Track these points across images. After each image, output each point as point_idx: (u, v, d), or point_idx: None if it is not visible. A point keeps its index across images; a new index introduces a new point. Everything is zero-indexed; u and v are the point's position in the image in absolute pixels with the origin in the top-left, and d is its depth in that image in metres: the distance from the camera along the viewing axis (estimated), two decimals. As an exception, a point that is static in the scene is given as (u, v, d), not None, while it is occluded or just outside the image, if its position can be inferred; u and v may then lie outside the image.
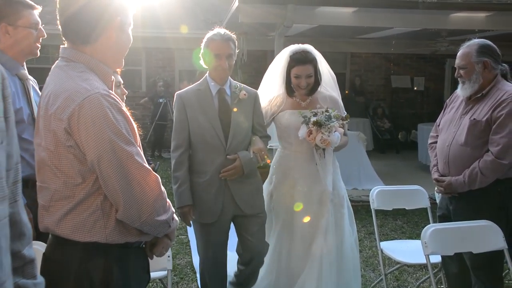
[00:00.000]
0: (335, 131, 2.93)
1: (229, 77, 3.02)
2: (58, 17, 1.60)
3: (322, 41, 8.71)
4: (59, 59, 1.63)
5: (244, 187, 2.99)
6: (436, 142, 3.18)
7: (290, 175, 3.20)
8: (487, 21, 7.08)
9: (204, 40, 2.90)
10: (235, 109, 2.94)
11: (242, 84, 3.07)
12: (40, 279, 1.08)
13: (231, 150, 2.90)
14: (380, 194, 3.56)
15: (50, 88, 1.55)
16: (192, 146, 2.94)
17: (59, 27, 1.61)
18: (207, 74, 3.00)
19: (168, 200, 1.66)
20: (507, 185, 2.86)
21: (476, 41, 2.93)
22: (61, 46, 1.63)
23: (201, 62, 2.96)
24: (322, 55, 3.29)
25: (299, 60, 3.11)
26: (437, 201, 3.36)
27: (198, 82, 3.03)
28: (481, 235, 2.75)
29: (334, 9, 6.60)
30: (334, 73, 3.40)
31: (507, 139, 2.71)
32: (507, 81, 2.96)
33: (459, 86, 2.99)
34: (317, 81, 3.18)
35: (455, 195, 2.95)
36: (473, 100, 2.92)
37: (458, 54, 2.96)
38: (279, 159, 3.32)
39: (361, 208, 5.98)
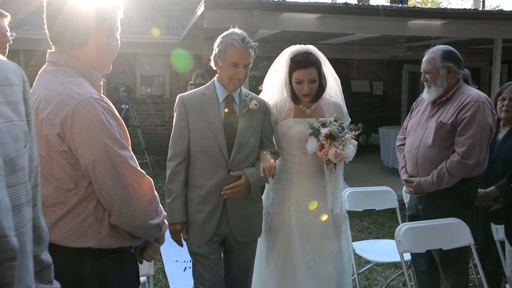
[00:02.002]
0: (349, 144, 2.64)
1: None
2: (45, 21, 1.57)
3: (284, 46, 8.75)
4: (46, 63, 1.60)
5: (243, 211, 2.64)
6: (404, 144, 3.30)
7: (292, 191, 2.84)
8: (443, 29, 7.40)
9: (220, 41, 2.54)
10: (242, 120, 2.61)
11: (254, 94, 2.76)
12: (56, 284, 1.07)
13: (233, 165, 2.56)
14: (351, 196, 3.66)
15: (39, 92, 1.52)
16: (190, 156, 2.60)
17: (46, 31, 1.59)
18: (215, 78, 2.67)
19: (160, 204, 1.67)
20: (471, 184, 3.02)
21: (440, 47, 3.07)
22: (49, 50, 1.61)
23: (212, 63, 2.63)
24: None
25: (301, 63, 2.73)
26: (406, 201, 3.48)
27: (205, 85, 2.72)
28: (450, 233, 2.87)
29: (298, 15, 6.71)
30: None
31: (471, 140, 2.85)
32: (469, 85, 3.12)
33: (425, 90, 3.12)
34: (321, 86, 2.82)
35: (424, 195, 3.06)
36: (438, 103, 3.05)
37: (424, 59, 3.09)
38: (278, 172, 2.84)
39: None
